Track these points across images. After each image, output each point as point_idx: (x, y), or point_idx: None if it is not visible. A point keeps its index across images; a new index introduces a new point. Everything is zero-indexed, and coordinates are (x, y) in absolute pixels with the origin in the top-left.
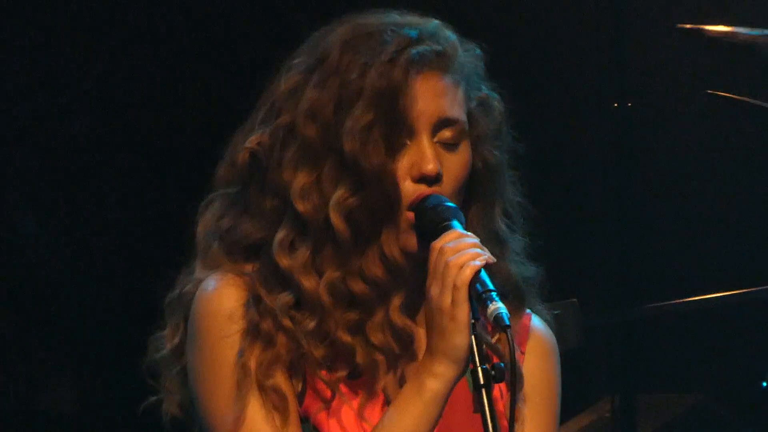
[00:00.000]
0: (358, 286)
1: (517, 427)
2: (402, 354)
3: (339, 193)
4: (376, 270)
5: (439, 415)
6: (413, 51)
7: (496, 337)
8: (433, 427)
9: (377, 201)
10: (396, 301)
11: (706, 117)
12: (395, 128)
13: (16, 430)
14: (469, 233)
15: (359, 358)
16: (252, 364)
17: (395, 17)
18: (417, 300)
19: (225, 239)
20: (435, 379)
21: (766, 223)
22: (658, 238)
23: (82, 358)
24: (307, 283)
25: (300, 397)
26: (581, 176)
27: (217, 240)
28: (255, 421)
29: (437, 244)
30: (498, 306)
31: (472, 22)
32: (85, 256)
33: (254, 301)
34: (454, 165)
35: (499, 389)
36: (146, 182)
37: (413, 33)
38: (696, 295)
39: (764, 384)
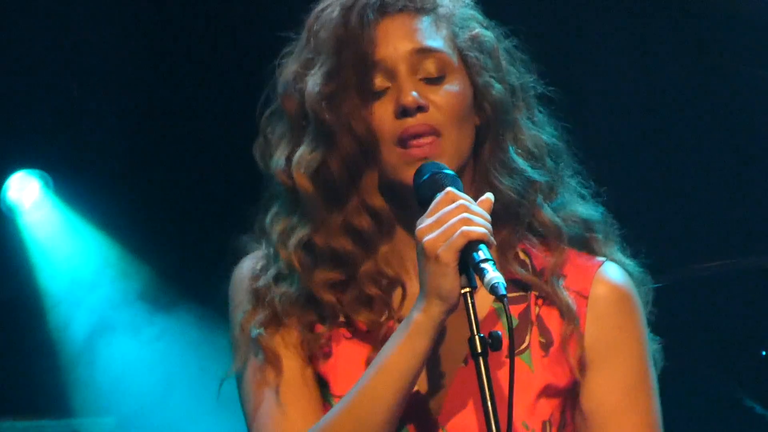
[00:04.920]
0: (338, 243)
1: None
2: (399, 306)
3: (299, 152)
4: (361, 221)
5: (426, 350)
6: None
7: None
8: (419, 361)
9: (351, 150)
10: (384, 250)
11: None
12: (367, 72)
13: None
14: (475, 203)
15: (359, 316)
16: (247, 326)
17: None
18: (405, 251)
19: None
20: (420, 312)
21: (760, 192)
22: (652, 206)
23: None
24: (283, 251)
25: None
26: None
27: None
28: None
29: (452, 192)
30: (495, 275)
31: None
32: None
33: (261, 270)
34: (442, 95)
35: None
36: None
37: None
38: (696, 263)
39: (764, 353)
